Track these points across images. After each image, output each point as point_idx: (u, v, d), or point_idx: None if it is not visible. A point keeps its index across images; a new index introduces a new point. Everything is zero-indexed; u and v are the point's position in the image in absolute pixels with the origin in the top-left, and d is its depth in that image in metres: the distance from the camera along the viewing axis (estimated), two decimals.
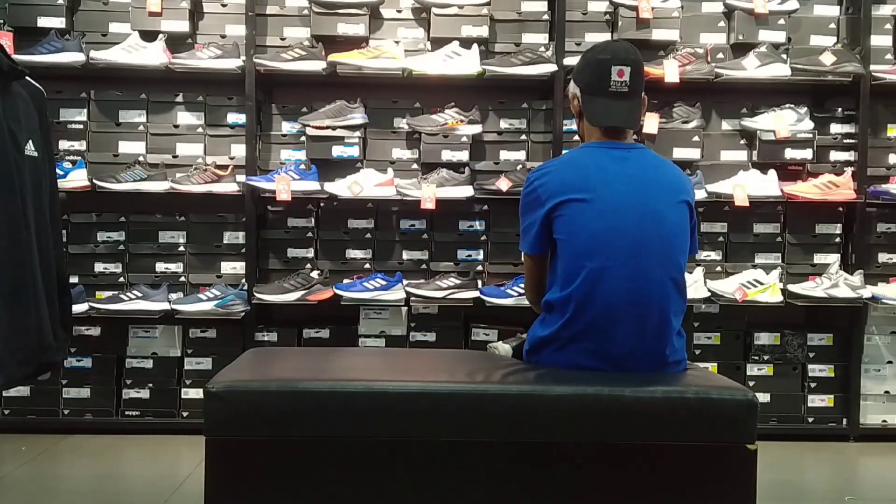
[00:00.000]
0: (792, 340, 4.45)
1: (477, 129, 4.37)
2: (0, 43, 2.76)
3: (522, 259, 2.74)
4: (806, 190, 4.37)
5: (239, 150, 4.39)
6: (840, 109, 4.59)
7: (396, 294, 4.28)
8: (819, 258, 4.49)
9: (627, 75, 2.55)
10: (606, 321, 2.43)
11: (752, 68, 4.33)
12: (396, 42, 4.41)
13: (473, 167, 4.44)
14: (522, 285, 4.24)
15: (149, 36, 4.31)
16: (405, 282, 4.32)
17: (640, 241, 2.45)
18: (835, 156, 4.55)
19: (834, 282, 4.29)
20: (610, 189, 2.48)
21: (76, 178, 4.24)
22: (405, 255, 4.48)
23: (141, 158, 4.38)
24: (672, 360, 2.50)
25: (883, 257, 4.51)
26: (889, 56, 4.50)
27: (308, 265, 4.39)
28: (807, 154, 4.46)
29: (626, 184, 2.49)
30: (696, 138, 4.44)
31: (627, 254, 2.43)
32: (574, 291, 2.45)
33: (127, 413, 4.35)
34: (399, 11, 4.51)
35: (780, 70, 4.34)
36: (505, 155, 4.50)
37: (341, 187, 4.29)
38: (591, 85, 2.58)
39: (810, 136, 4.46)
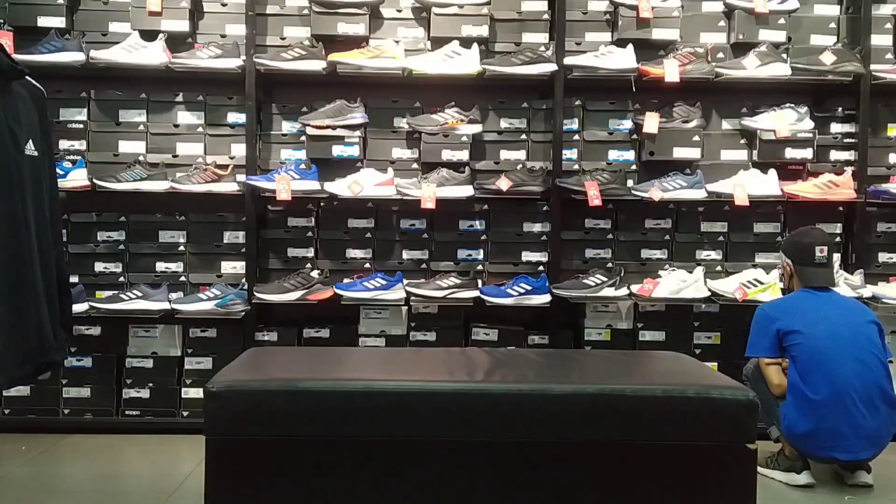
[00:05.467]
0: None
1: (477, 128, 4.37)
2: (0, 42, 2.75)
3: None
4: (806, 189, 4.37)
5: (239, 150, 4.39)
6: (840, 109, 4.59)
7: (396, 294, 4.28)
8: None
9: (826, 252, 3.76)
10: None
11: (752, 68, 4.33)
12: (396, 42, 4.41)
13: (473, 167, 4.44)
14: (523, 284, 4.26)
15: (149, 35, 4.30)
16: (405, 281, 4.31)
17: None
18: (835, 155, 4.55)
19: None
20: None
21: (76, 178, 4.24)
22: (405, 255, 4.48)
23: (141, 158, 4.38)
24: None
25: (883, 257, 4.51)
26: (889, 56, 4.49)
27: (308, 265, 4.39)
28: (807, 154, 4.46)
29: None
30: (696, 138, 4.44)
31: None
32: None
33: (127, 413, 4.35)
34: (399, 11, 4.50)
35: (780, 69, 4.34)
36: (505, 154, 4.50)
37: (341, 187, 4.29)
38: (802, 259, 3.78)
39: (810, 135, 4.46)
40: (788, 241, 3.94)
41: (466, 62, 4.28)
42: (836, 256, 4.46)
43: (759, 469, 3.45)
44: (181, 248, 4.44)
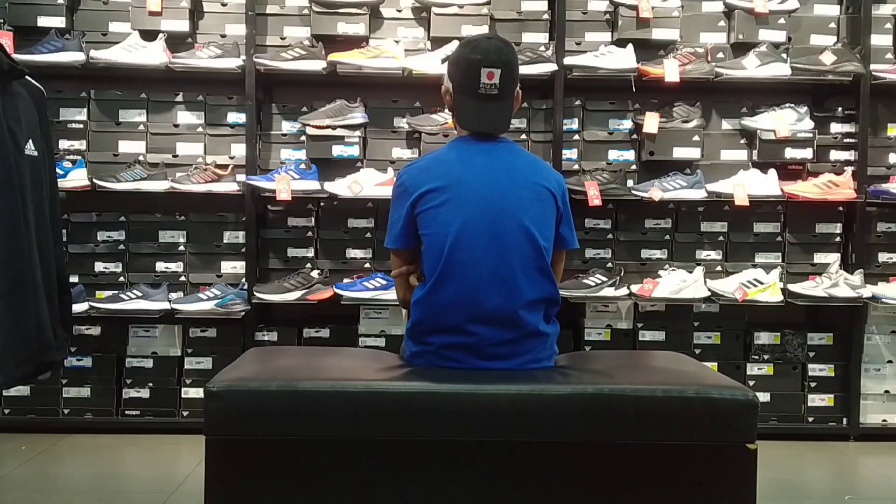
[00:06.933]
0: (792, 340, 4.45)
1: None
2: (0, 42, 2.76)
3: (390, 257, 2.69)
4: (806, 189, 4.37)
5: (239, 150, 4.39)
6: (840, 109, 4.59)
7: None
8: (819, 258, 4.49)
9: (497, 78, 2.48)
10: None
11: (752, 68, 4.33)
12: (396, 41, 4.41)
13: None
14: None
15: (149, 35, 4.31)
16: None
17: (499, 233, 2.43)
18: (835, 155, 4.55)
19: (834, 281, 4.29)
20: (469, 182, 2.46)
21: (76, 178, 4.24)
22: None
23: (141, 158, 4.38)
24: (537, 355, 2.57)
25: (883, 257, 4.51)
26: (889, 55, 4.49)
27: (308, 265, 4.39)
28: (807, 153, 4.46)
29: (487, 176, 2.48)
30: (696, 138, 4.44)
31: (488, 245, 2.43)
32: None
33: (127, 413, 4.35)
34: (399, 11, 4.50)
35: (780, 69, 4.34)
36: None
37: (341, 187, 4.29)
38: (462, 85, 2.51)
39: (810, 135, 4.46)
40: (454, 54, 2.60)
41: None
42: (836, 256, 4.46)
43: None
44: (181, 248, 4.44)
